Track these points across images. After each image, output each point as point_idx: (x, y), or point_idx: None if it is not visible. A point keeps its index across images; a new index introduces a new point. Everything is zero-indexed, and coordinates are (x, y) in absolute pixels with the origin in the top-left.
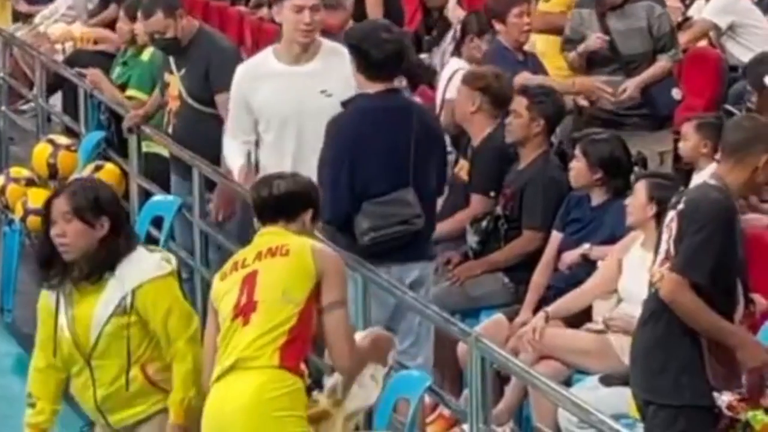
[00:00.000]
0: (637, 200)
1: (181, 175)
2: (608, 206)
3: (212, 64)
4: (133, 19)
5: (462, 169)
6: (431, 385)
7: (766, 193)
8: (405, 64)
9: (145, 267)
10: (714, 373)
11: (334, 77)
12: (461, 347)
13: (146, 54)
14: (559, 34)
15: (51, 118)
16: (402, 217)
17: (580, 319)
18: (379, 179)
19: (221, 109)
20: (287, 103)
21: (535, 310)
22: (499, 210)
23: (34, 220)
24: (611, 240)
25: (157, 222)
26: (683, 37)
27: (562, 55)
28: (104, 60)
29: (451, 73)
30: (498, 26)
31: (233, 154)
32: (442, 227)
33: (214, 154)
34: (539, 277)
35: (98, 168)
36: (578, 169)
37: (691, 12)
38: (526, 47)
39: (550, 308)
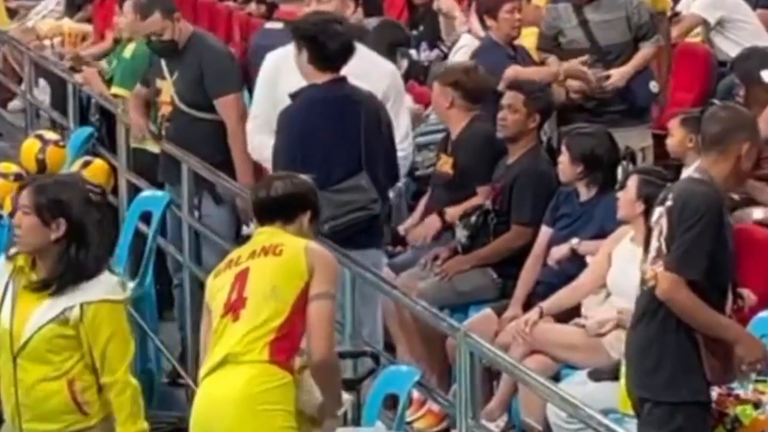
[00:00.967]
0: (628, 196)
1: (172, 182)
2: (597, 201)
3: (207, 69)
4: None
5: (446, 164)
6: (420, 380)
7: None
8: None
9: (100, 286)
10: (711, 368)
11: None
12: (450, 342)
13: (128, 51)
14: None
15: (39, 114)
16: (359, 204)
17: (568, 313)
18: (333, 167)
19: (224, 113)
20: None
21: (524, 306)
22: (488, 204)
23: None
24: (600, 235)
25: (146, 217)
26: (672, 33)
27: (537, 53)
28: None
29: (458, 48)
30: (489, 22)
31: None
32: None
33: (207, 158)
34: (528, 272)
35: (87, 163)
36: (563, 163)
37: (679, 7)
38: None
39: (545, 304)
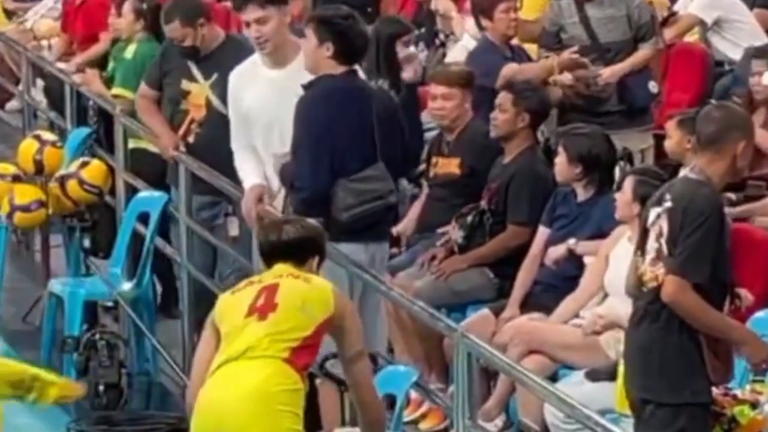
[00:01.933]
0: (625, 196)
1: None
2: (594, 201)
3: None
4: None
5: (449, 165)
6: (417, 380)
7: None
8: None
9: None
10: (713, 368)
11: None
12: (447, 342)
13: (129, 51)
14: (534, 41)
15: (37, 115)
16: (378, 193)
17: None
18: (352, 157)
19: None
20: (269, 108)
21: (522, 305)
22: (484, 204)
23: (20, 217)
24: (598, 235)
25: (144, 218)
26: (669, 33)
27: (538, 51)
28: None
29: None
30: (485, 22)
31: (244, 167)
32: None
33: None
34: (525, 272)
35: (84, 164)
36: (560, 164)
37: (677, 7)
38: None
39: (552, 317)
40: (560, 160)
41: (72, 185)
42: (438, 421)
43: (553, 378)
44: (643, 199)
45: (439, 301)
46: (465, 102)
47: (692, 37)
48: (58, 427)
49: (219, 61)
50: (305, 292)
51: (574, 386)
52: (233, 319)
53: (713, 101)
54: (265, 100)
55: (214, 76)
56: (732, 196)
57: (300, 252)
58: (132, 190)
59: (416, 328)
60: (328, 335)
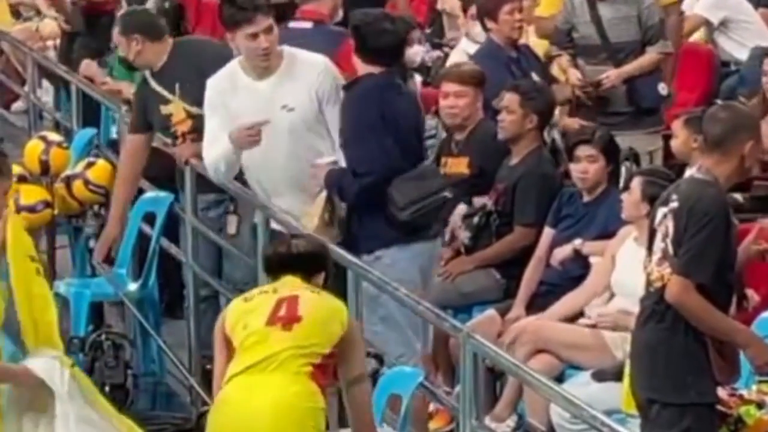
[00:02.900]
0: (632, 197)
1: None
2: (600, 201)
3: (203, 61)
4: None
5: (459, 164)
6: (423, 381)
7: None
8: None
9: None
10: (719, 368)
11: (296, 90)
12: (453, 342)
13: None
14: (551, 37)
15: (42, 115)
16: (434, 188)
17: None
18: (402, 154)
19: None
20: (253, 117)
21: (528, 306)
22: (491, 205)
23: (26, 217)
24: (603, 235)
25: (150, 219)
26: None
27: (548, 49)
28: None
29: (455, 52)
30: (489, 24)
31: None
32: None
33: None
34: (531, 273)
35: (90, 164)
36: (597, 168)
37: (683, 7)
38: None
39: (549, 311)
40: (598, 165)
41: (77, 186)
42: (445, 422)
43: (560, 378)
44: (651, 199)
45: (445, 302)
46: (477, 101)
47: (698, 38)
48: None
49: (175, 71)
50: (327, 308)
51: (581, 386)
52: (251, 326)
53: (719, 101)
54: (247, 111)
55: (177, 86)
56: (739, 197)
57: (309, 266)
58: (138, 191)
59: None
60: None
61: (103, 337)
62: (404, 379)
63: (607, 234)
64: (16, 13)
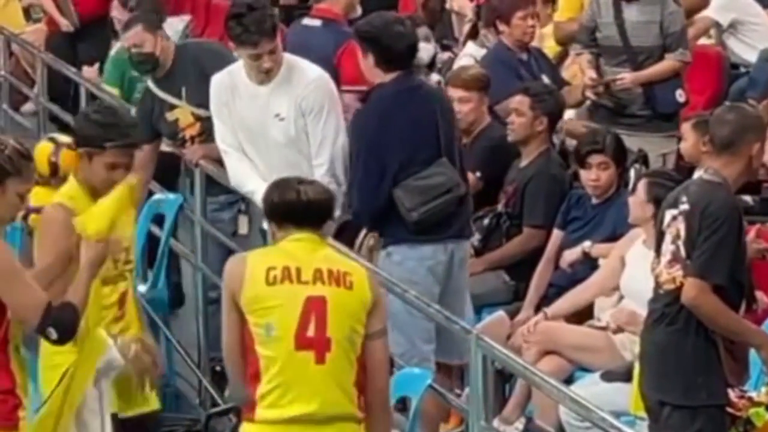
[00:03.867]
0: (638, 199)
1: (208, 192)
2: (609, 204)
3: (205, 64)
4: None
5: None
6: (432, 383)
7: None
8: None
9: None
10: (730, 370)
11: (287, 100)
12: None
13: (113, 48)
14: (569, 42)
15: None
16: (445, 187)
17: (582, 316)
18: (413, 159)
19: None
20: (253, 121)
21: (537, 308)
22: (500, 207)
23: (35, 219)
24: (612, 238)
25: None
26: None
27: (557, 51)
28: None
29: (462, 56)
30: (501, 26)
31: (246, 176)
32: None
33: None
34: (540, 275)
35: None
36: (609, 176)
37: None
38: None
39: (553, 306)
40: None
41: None
42: (454, 423)
43: (570, 380)
44: (656, 201)
45: None
46: (481, 105)
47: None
48: None
49: (179, 75)
50: (351, 312)
51: (589, 388)
52: (277, 337)
53: (728, 103)
54: (248, 112)
55: (183, 91)
56: (748, 199)
57: (320, 214)
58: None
59: None
60: None
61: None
62: (414, 381)
63: (616, 236)
64: (26, 14)
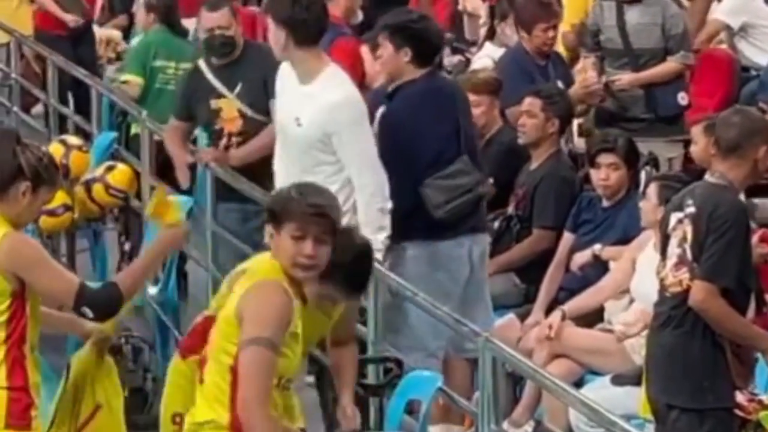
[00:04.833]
0: (649, 202)
1: (234, 200)
2: (620, 207)
3: (268, 69)
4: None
5: None
6: (442, 386)
7: None
8: None
9: None
10: (737, 372)
11: (310, 110)
12: None
13: (134, 40)
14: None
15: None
16: (467, 186)
17: (591, 319)
18: (441, 156)
19: None
20: (280, 116)
21: (547, 311)
22: (511, 210)
23: (46, 220)
24: (623, 241)
25: None
26: (696, 38)
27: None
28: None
29: (479, 57)
30: (522, 33)
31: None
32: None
33: None
34: (551, 278)
35: (110, 168)
36: (619, 176)
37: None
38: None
39: (566, 306)
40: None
41: (97, 189)
42: (465, 426)
43: (580, 383)
44: (668, 203)
45: None
46: (493, 108)
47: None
48: None
49: (241, 70)
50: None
51: (599, 391)
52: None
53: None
54: (282, 105)
55: (239, 86)
56: (759, 203)
57: (336, 220)
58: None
59: None
60: None
61: (123, 340)
62: (423, 384)
63: (627, 239)
64: None
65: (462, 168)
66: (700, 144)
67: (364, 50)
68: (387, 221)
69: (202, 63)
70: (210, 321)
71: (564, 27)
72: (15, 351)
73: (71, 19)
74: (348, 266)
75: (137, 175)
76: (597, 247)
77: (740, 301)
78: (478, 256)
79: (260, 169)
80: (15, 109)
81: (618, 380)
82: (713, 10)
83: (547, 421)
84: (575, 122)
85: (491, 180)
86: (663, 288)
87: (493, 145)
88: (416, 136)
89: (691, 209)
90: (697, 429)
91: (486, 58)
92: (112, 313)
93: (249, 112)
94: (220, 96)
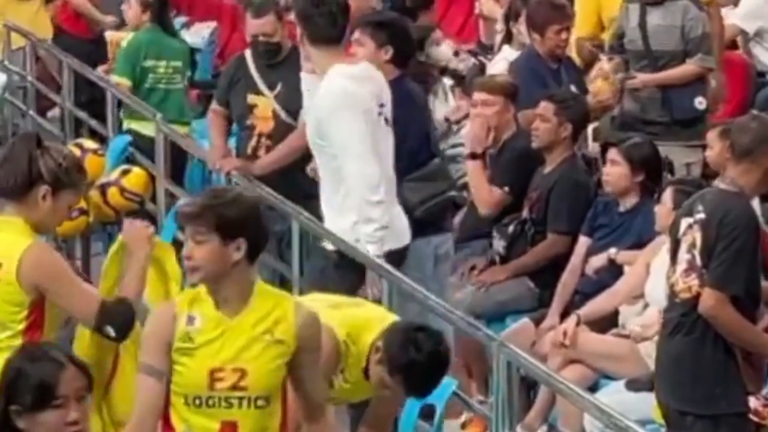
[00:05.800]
0: (664, 207)
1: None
2: (636, 211)
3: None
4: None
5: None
6: (456, 390)
7: None
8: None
9: None
10: (748, 377)
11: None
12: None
13: (126, 40)
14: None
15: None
16: (442, 188)
17: (606, 325)
18: (416, 158)
19: None
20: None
21: (562, 315)
22: (525, 214)
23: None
24: (638, 245)
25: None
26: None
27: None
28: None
29: (497, 61)
30: (534, 35)
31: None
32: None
33: None
34: (566, 282)
35: (125, 172)
36: (618, 173)
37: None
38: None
39: (582, 311)
40: (617, 170)
41: (113, 193)
42: (480, 430)
43: (594, 388)
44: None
45: (479, 311)
46: (507, 111)
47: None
48: None
49: (284, 72)
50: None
51: (614, 396)
52: None
53: (754, 112)
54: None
55: (278, 87)
56: None
57: None
58: (171, 197)
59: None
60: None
61: None
62: (438, 388)
63: (643, 244)
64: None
65: (437, 170)
66: (715, 149)
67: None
68: (376, 213)
69: (248, 54)
70: None
71: (577, 33)
72: None
73: (111, 20)
74: (422, 367)
75: (152, 178)
76: (612, 251)
77: (748, 308)
78: (443, 254)
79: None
80: (31, 112)
81: (632, 385)
82: (728, 15)
83: (560, 425)
84: (589, 126)
85: (506, 189)
86: (673, 294)
87: (506, 153)
88: (393, 136)
89: (701, 215)
90: None
91: (503, 61)
92: (129, 332)
93: (282, 114)
94: (258, 92)
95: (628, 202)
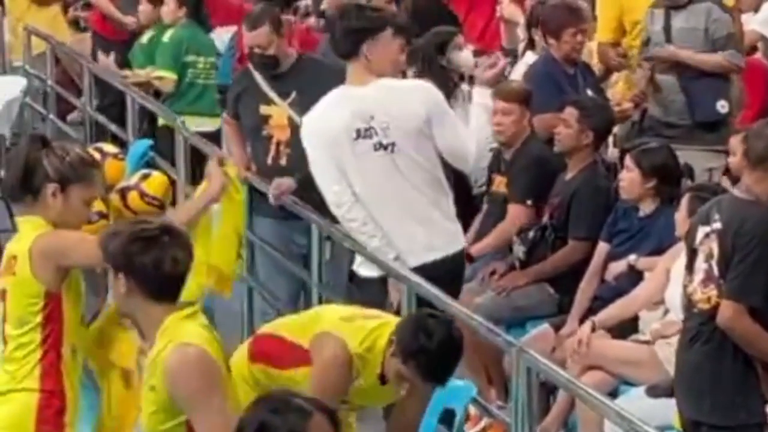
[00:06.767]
0: (682, 214)
1: (265, 214)
2: (656, 217)
3: (329, 85)
4: (153, 2)
5: (501, 183)
6: (476, 396)
7: None
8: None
9: None
10: (766, 386)
11: None
12: (508, 356)
13: (167, 35)
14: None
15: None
16: None
17: (626, 330)
18: None
19: None
20: None
21: (582, 321)
22: (546, 220)
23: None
24: (658, 251)
25: None
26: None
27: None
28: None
29: (519, 66)
30: (550, 40)
31: None
32: (487, 242)
33: None
34: (586, 288)
35: (145, 176)
36: (631, 179)
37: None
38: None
39: (598, 317)
40: (630, 175)
41: (133, 197)
42: None
43: (614, 394)
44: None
45: (498, 316)
46: (523, 118)
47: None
48: None
49: (296, 81)
50: None
51: (634, 402)
52: None
53: None
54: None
55: (293, 95)
56: None
57: None
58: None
59: (474, 343)
60: None
61: None
62: (457, 393)
63: (662, 250)
64: (75, 24)
65: None
66: (738, 155)
67: None
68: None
69: (252, 67)
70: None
71: (599, 38)
72: (52, 354)
73: (131, 21)
74: (434, 352)
75: (172, 183)
76: (632, 257)
77: (762, 317)
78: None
79: None
80: (51, 116)
81: (653, 391)
82: (749, 21)
83: (580, 431)
84: None
85: (529, 202)
86: (690, 304)
87: (520, 160)
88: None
89: (717, 224)
90: None
91: (525, 65)
92: None
93: (298, 121)
94: (269, 102)
95: (647, 208)
